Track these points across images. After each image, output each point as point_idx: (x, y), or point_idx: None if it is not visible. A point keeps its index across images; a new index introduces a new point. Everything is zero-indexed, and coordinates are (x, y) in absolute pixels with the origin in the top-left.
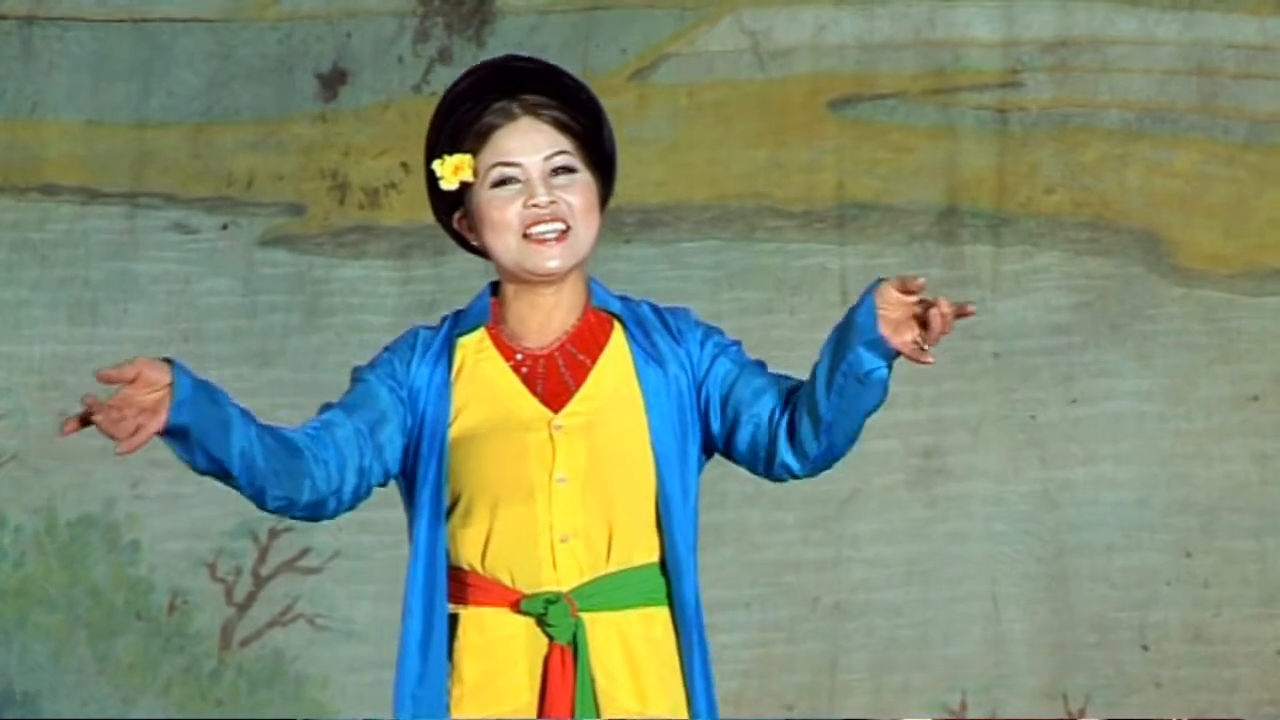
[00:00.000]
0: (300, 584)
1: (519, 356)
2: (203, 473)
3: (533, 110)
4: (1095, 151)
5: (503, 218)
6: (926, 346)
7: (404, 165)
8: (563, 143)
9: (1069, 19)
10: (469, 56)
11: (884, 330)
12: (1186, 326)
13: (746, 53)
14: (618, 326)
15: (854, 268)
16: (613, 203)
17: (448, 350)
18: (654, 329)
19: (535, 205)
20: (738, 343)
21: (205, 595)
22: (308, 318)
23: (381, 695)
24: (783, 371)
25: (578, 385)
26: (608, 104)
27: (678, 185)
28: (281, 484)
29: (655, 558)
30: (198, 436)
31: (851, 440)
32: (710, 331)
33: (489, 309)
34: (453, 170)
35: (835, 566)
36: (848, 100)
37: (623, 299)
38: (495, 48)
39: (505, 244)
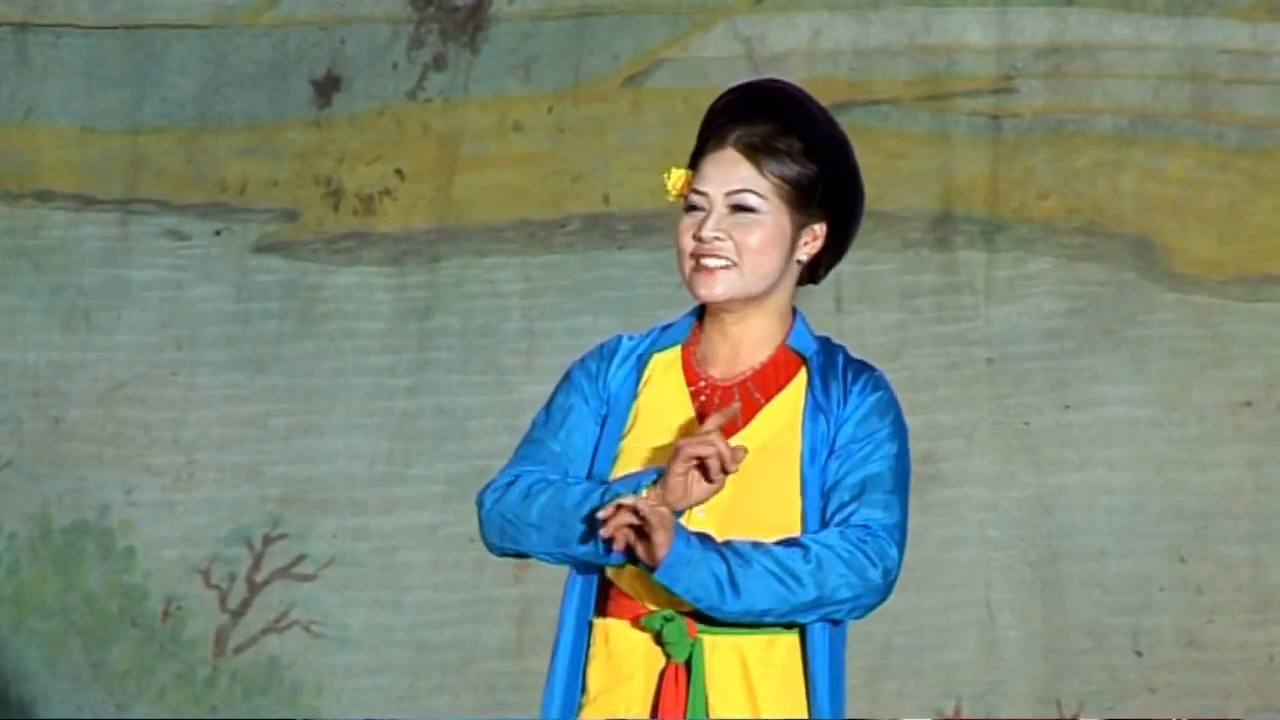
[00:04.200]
0: (295, 591)
1: (701, 383)
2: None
3: (744, 143)
4: (1089, 157)
5: (682, 243)
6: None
7: (398, 172)
8: (755, 181)
9: (1062, 24)
10: (463, 63)
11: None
12: (1180, 332)
13: (740, 59)
14: (803, 370)
15: (848, 274)
16: (606, 209)
17: (641, 363)
18: (834, 380)
19: (699, 238)
20: (891, 443)
21: (200, 602)
22: (301, 324)
23: (375, 702)
24: (864, 521)
25: (746, 423)
26: (601, 110)
27: None
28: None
29: None
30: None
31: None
32: (870, 413)
33: (690, 329)
34: (673, 183)
35: None
36: (842, 106)
37: (823, 341)
38: (489, 54)
39: (682, 267)
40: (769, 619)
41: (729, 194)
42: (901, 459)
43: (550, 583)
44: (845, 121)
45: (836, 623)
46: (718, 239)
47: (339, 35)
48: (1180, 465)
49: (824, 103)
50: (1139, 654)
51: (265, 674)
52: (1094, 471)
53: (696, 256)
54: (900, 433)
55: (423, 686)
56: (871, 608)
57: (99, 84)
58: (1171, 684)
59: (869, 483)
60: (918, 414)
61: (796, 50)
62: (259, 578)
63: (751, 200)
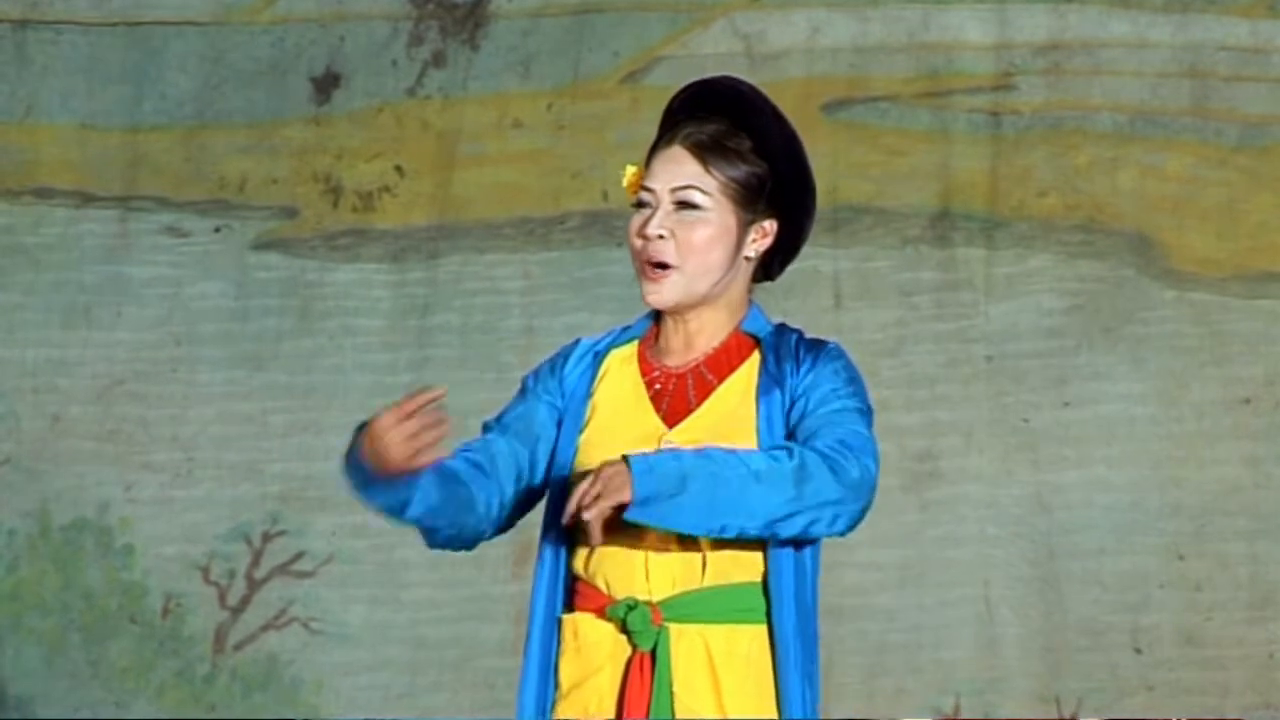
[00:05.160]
0: (294, 588)
1: (655, 373)
2: (379, 510)
3: (689, 140)
4: (1087, 154)
5: (631, 240)
6: None
7: (397, 169)
8: (701, 178)
9: (1061, 22)
10: (462, 60)
11: None
12: (1179, 329)
13: (739, 56)
14: (755, 352)
15: (847, 270)
16: (605, 206)
17: (598, 360)
18: (787, 357)
19: (644, 236)
20: (852, 394)
21: (199, 599)
22: (300, 321)
23: (374, 699)
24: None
25: (699, 404)
26: (600, 107)
27: None
28: (451, 520)
29: (756, 577)
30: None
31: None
32: (825, 372)
33: (647, 327)
34: (628, 180)
35: (828, 570)
36: (841, 103)
37: (778, 328)
38: (488, 51)
39: (634, 265)
40: (753, 526)
41: (674, 190)
42: (863, 404)
43: None
44: (844, 118)
45: (811, 541)
46: (661, 236)
47: (338, 32)
48: (1179, 462)
49: (823, 100)
50: (1138, 651)
51: (264, 671)
52: (1093, 469)
53: (643, 259)
54: (859, 390)
55: (421, 684)
56: (855, 517)
57: (98, 81)
58: (1170, 681)
59: (835, 417)
60: (916, 411)
61: (795, 47)
62: (258, 575)
63: (696, 197)
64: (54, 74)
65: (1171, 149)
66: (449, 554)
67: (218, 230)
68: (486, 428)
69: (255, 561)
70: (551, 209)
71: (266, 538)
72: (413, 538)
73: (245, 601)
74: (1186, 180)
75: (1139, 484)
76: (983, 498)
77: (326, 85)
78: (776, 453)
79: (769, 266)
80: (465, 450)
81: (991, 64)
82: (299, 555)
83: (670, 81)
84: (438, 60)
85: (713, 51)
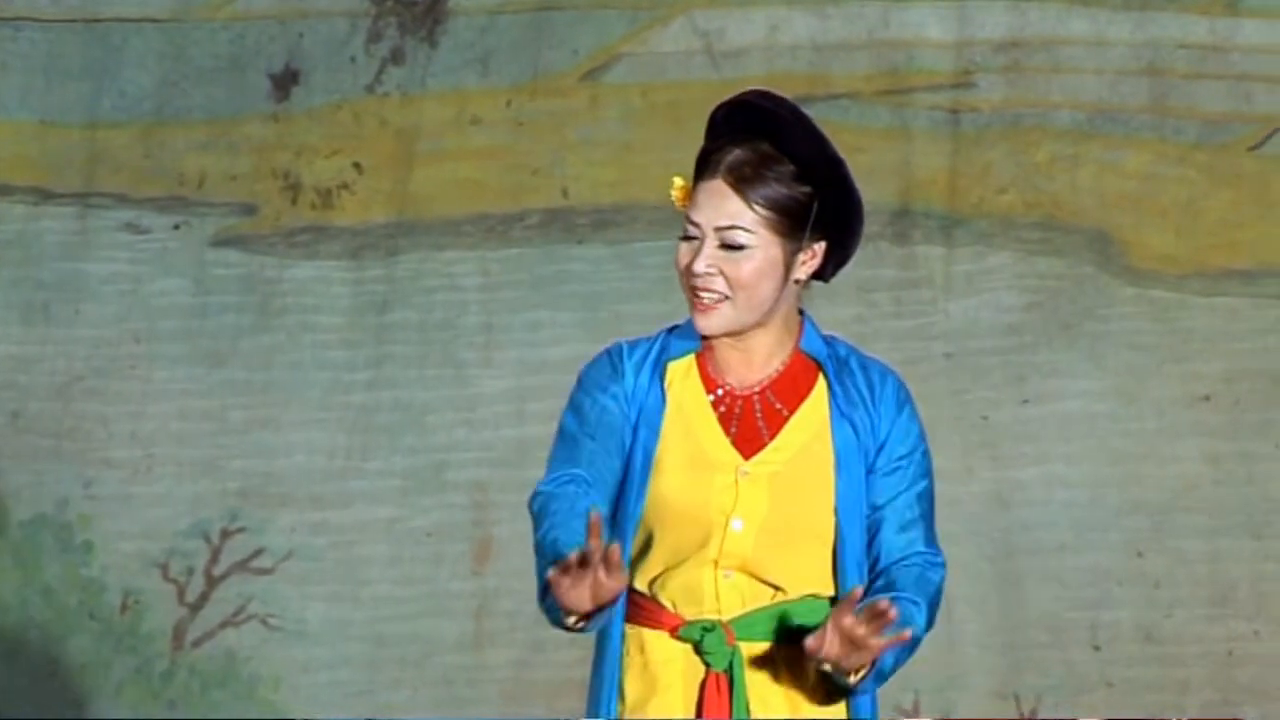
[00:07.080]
0: (253, 584)
1: (719, 392)
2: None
3: (731, 174)
4: (1047, 152)
5: (680, 268)
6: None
7: (356, 165)
8: (743, 215)
9: (1021, 19)
10: (421, 57)
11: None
12: (1138, 326)
13: (699, 53)
14: (821, 376)
15: None
16: (565, 203)
17: (661, 372)
18: (853, 386)
19: (693, 271)
20: (922, 446)
21: (157, 595)
22: (259, 318)
23: (333, 696)
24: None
25: (772, 434)
26: (559, 105)
27: (631, 186)
28: None
29: (824, 590)
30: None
31: None
32: (901, 418)
33: (697, 340)
34: (676, 195)
35: None
36: (801, 101)
37: (829, 342)
38: (447, 48)
39: (684, 291)
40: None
41: (718, 230)
42: (929, 469)
43: (509, 576)
44: None
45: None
46: (709, 273)
47: (297, 29)
48: (1138, 460)
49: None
50: (1097, 648)
51: (223, 668)
52: (1052, 466)
53: (693, 288)
54: (927, 447)
55: (380, 680)
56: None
57: (57, 78)
58: (1129, 678)
59: (925, 508)
60: None
61: (755, 45)
62: (217, 571)
63: (741, 237)
64: (12, 70)
65: (1131, 146)
66: (408, 551)
67: (176, 227)
68: (575, 430)
69: (214, 558)
70: (511, 206)
71: (225, 534)
72: (371, 534)
73: (204, 598)
74: (1145, 178)
75: (1098, 481)
76: (942, 495)
77: (285, 82)
78: (927, 598)
79: (821, 272)
80: (586, 470)
81: (951, 61)
82: (258, 552)
83: (630, 79)
84: (396, 57)
85: (672, 49)
